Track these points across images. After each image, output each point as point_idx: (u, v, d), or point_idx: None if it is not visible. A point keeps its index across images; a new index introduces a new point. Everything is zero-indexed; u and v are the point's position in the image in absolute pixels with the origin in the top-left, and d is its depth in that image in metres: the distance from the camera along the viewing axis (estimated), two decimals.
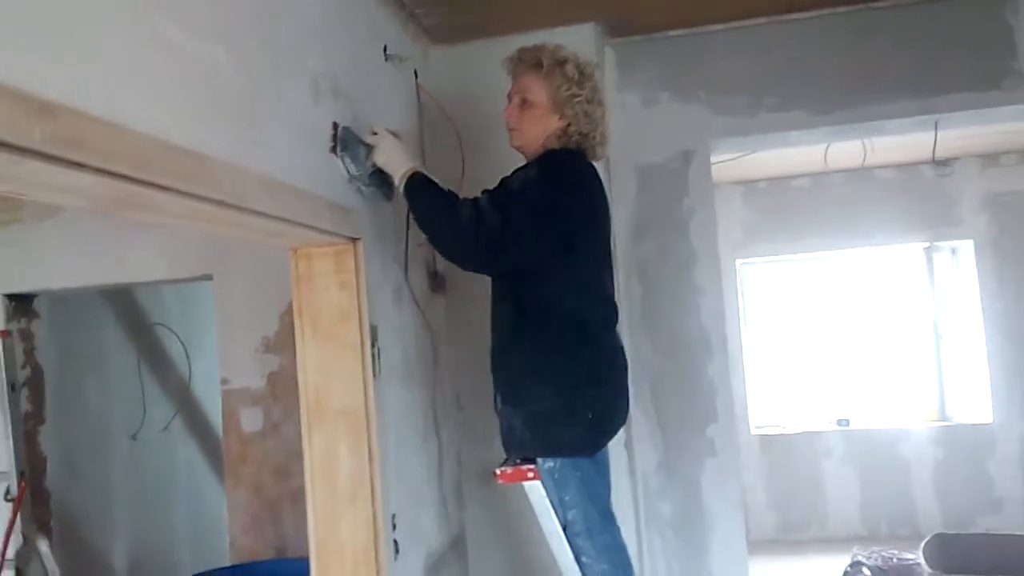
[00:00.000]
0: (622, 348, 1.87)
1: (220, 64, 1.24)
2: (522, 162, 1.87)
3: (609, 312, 1.84)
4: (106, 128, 0.90)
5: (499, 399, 1.79)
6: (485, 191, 1.73)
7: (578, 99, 1.75)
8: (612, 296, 1.87)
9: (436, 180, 1.76)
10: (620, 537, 1.78)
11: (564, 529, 1.72)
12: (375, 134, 1.76)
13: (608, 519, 1.76)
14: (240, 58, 1.31)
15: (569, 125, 1.76)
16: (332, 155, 1.68)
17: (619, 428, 1.85)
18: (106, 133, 0.90)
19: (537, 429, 1.70)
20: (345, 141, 1.70)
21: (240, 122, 1.30)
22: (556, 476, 1.70)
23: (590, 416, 1.71)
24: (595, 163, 1.87)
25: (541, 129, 1.78)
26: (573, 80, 1.75)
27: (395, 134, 1.80)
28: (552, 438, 1.70)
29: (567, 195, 1.71)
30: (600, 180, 1.83)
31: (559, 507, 1.71)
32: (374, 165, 1.76)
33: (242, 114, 1.31)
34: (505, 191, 1.70)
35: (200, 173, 1.11)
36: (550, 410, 1.69)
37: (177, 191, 1.06)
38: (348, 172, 1.72)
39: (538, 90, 1.77)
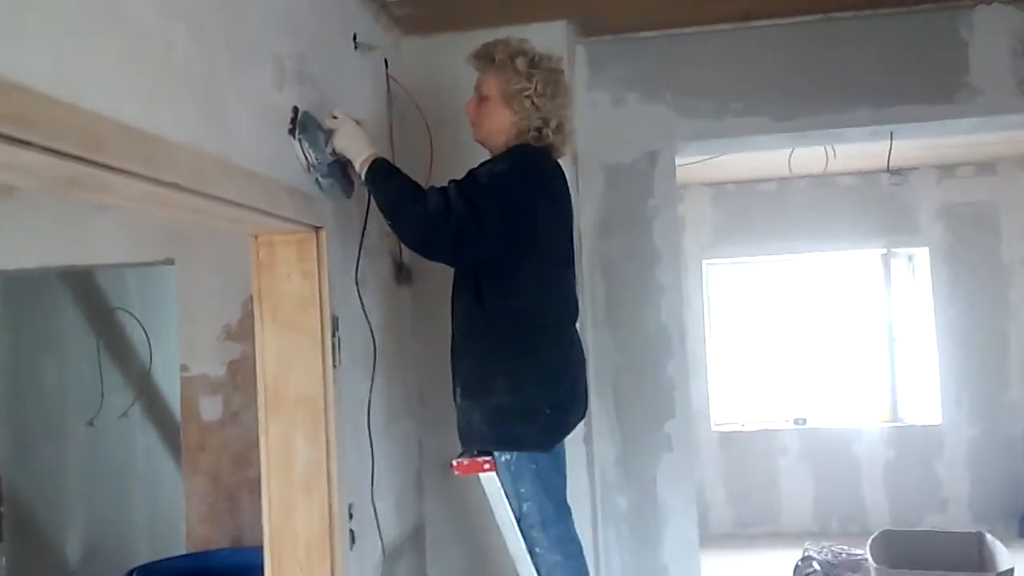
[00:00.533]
0: (580, 344, 1.89)
1: (178, 42, 1.22)
2: (488, 155, 1.89)
3: (569, 308, 1.86)
4: (53, 105, 0.89)
5: (458, 392, 1.79)
6: (452, 181, 1.72)
7: (526, 93, 1.76)
8: (572, 292, 1.89)
9: (399, 168, 1.76)
10: (573, 529, 1.81)
11: (519, 521, 1.74)
12: (335, 118, 1.74)
13: (562, 511, 1.79)
14: (200, 37, 1.29)
15: (520, 119, 1.78)
16: (291, 139, 1.66)
17: (576, 424, 1.87)
18: (53, 110, 0.89)
19: (496, 424, 1.71)
20: (304, 125, 1.66)
21: (198, 104, 1.28)
22: (512, 468, 1.72)
23: (548, 412, 1.73)
24: (562, 160, 1.90)
25: (496, 123, 1.80)
26: (522, 74, 1.76)
27: (357, 121, 1.77)
28: (511, 433, 1.71)
29: (534, 191, 1.73)
30: (564, 178, 1.85)
31: (514, 499, 1.73)
32: (333, 152, 1.73)
33: (201, 95, 1.30)
34: (474, 183, 1.70)
35: (154, 155, 1.10)
36: (509, 405, 1.70)
37: (130, 172, 1.04)
38: (306, 159, 1.69)
39: (491, 84, 1.79)
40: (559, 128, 1.82)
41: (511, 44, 1.81)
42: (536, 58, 1.80)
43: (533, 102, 1.77)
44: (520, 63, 1.77)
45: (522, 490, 1.72)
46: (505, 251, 1.71)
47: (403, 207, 1.69)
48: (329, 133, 1.73)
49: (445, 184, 1.72)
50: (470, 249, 1.68)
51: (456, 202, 1.63)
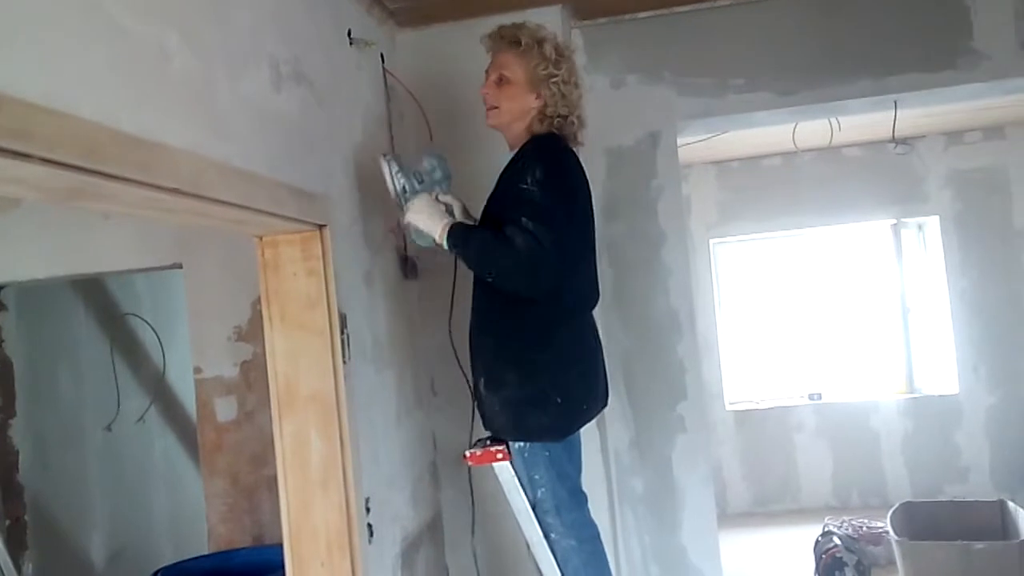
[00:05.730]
0: (596, 331, 1.88)
1: (172, 48, 1.22)
2: (495, 141, 1.87)
3: (584, 296, 1.84)
4: (51, 117, 0.89)
5: (481, 383, 1.80)
6: (511, 209, 1.68)
7: (555, 79, 1.75)
8: (593, 279, 1.88)
9: (468, 222, 1.78)
10: (588, 514, 1.82)
11: (534, 507, 1.76)
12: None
13: (577, 497, 1.80)
14: (193, 42, 1.29)
15: (546, 105, 1.76)
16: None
17: (594, 412, 1.86)
18: (51, 122, 0.89)
19: (511, 414, 1.73)
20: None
21: (195, 108, 1.29)
22: (526, 455, 1.74)
23: (559, 401, 1.74)
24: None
25: (518, 107, 1.77)
26: (550, 60, 1.75)
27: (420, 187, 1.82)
28: (525, 424, 1.73)
29: (576, 187, 1.77)
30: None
31: (528, 486, 1.75)
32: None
33: (197, 100, 1.30)
34: (532, 204, 1.66)
35: (153, 161, 1.10)
36: (522, 396, 1.72)
37: (130, 180, 1.05)
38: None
39: (515, 68, 1.76)
40: (581, 117, 1.82)
41: (534, 28, 1.80)
42: (560, 45, 1.79)
43: (560, 89, 1.75)
44: (548, 49, 1.76)
45: (536, 476, 1.74)
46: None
47: (497, 257, 1.67)
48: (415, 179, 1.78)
49: (509, 217, 1.69)
50: (565, 267, 1.70)
51: (541, 233, 1.62)
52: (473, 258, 1.73)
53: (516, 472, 1.75)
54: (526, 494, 1.75)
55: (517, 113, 1.77)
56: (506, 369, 1.74)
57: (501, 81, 1.77)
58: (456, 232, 1.72)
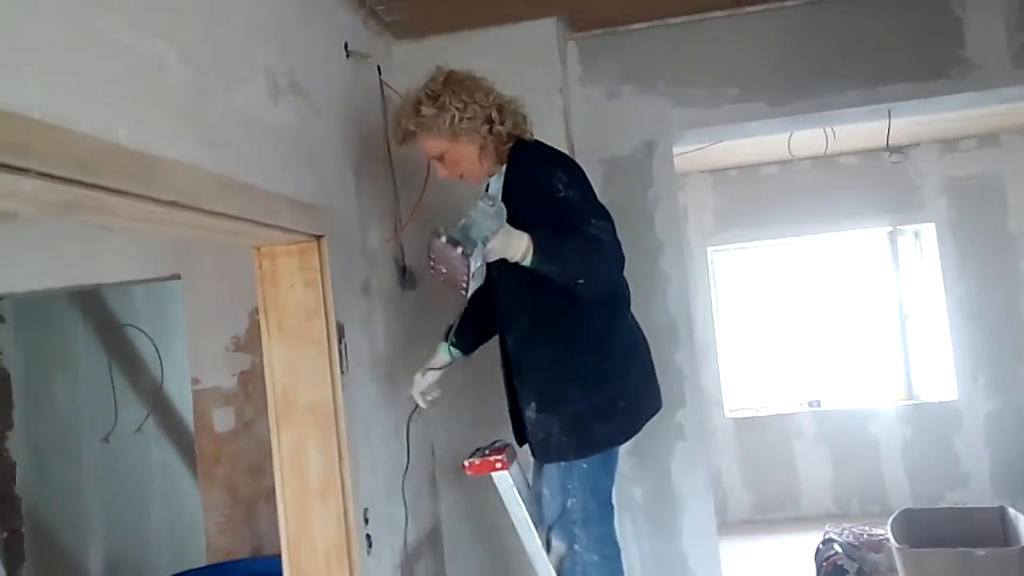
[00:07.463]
0: (640, 329, 1.85)
1: (168, 62, 1.23)
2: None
3: (627, 286, 1.82)
4: (48, 131, 0.90)
5: (533, 407, 1.72)
6: (571, 220, 1.61)
7: (456, 118, 1.69)
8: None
9: (536, 235, 1.58)
10: (615, 532, 1.79)
11: (561, 516, 1.73)
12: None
13: (606, 512, 1.77)
14: (189, 55, 1.30)
15: (490, 132, 1.73)
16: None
17: (653, 411, 1.81)
18: (48, 136, 0.90)
19: (576, 431, 1.68)
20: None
21: (192, 121, 1.29)
22: (563, 463, 1.71)
23: (623, 406, 1.71)
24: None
25: (474, 160, 1.76)
26: (437, 113, 1.69)
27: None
28: (591, 437, 1.69)
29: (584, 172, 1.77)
30: None
31: (560, 494, 1.72)
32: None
33: (193, 112, 1.30)
34: (582, 205, 1.64)
35: (150, 174, 1.11)
36: (588, 408, 1.68)
37: (127, 193, 1.05)
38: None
39: (437, 144, 1.75)
40: (503, 110, 1.74)
41: (405, 104, 1.78)
42: (428, 90, 1.73)
43: (484, 114, 1.71)
44: (426, 109, 1.70)
45: (569, 486, 1.71)
46: None
47: (594, 259, 1.60)
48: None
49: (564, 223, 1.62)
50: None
51: (610, 228, 1.62)
52: (575, 265, 1.59)
53: (544, 480, 1.73)
54: (555, 503, 1.72)
55: (477, 162, 1.76)
56: (568, 382, 1.68)
57: (441, 160, 1.78)
58: (543, 246, 1.57)
